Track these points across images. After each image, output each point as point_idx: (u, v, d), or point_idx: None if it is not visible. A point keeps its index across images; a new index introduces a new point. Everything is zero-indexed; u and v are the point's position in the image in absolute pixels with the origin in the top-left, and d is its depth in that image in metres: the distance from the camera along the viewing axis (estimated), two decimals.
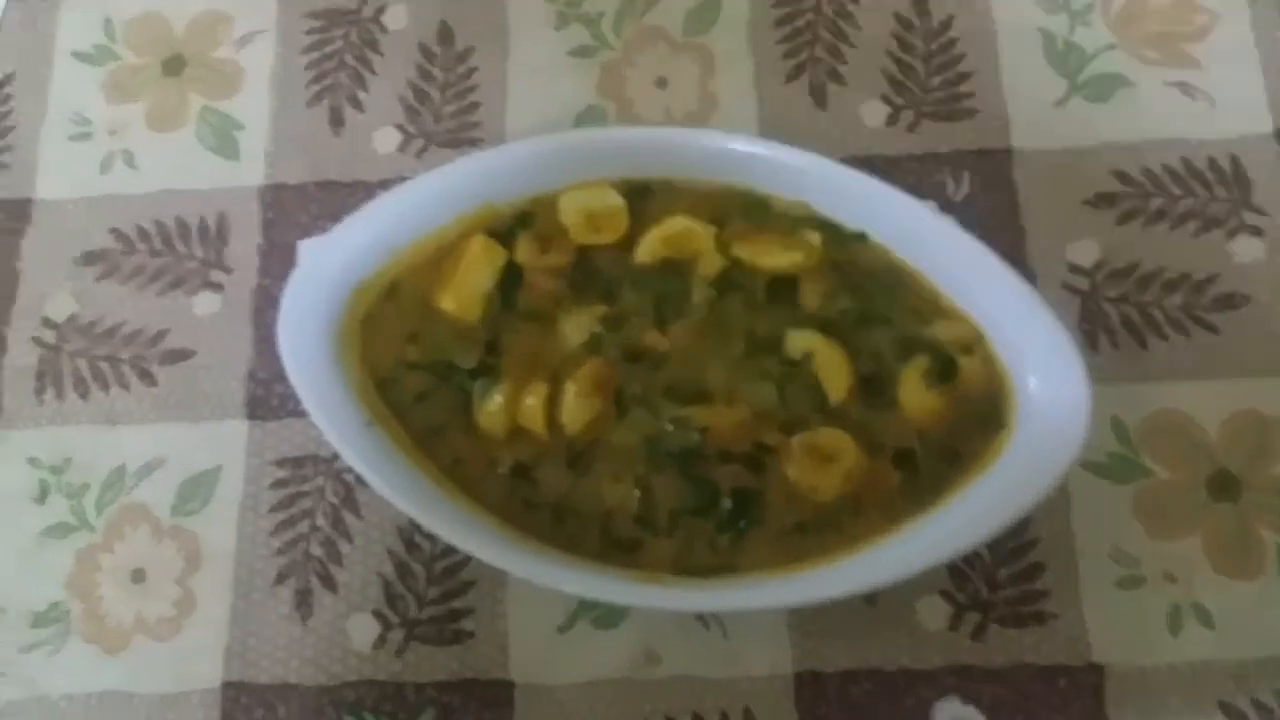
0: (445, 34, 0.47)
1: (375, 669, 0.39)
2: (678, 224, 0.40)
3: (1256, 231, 0.42)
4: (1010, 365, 0.37)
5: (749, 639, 0.38)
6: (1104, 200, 0.42)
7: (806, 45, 0.46)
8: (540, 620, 0.39)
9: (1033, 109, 0.44)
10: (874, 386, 0.38)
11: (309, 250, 0.39)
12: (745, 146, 0.40)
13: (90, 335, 0.44)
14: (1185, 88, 0.44)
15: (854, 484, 0.37)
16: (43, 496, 0.42)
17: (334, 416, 0.37)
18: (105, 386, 0.43)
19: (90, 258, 0.45)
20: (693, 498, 0.37)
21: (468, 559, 0.40)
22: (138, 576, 0.41)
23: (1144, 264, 0.42)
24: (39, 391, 0.43)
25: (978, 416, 0.37)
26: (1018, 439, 0.36)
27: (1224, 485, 0.39)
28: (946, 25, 0.46)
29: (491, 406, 0.38)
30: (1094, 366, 0.40)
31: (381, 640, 0.39)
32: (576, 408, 0.38)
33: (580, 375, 0.38)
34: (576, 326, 0.39)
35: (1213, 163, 0.43)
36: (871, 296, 0.39)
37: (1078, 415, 0.35)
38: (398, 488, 0.37)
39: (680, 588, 0.36)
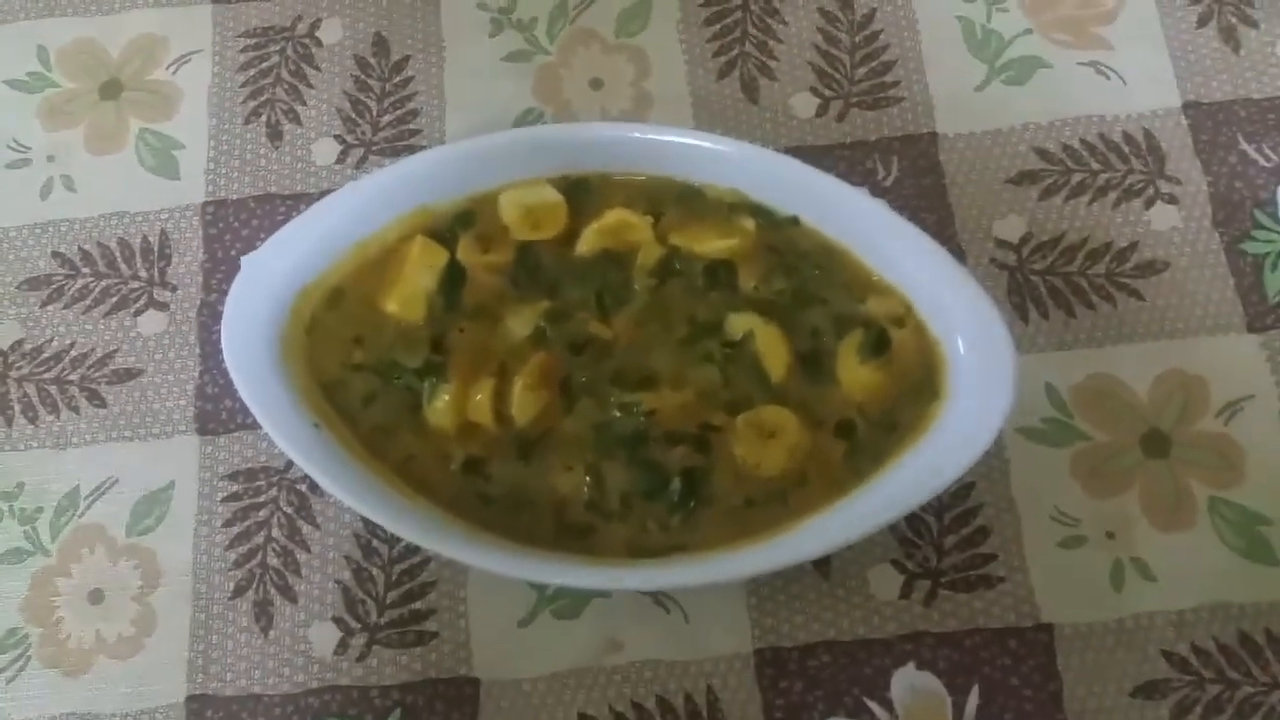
0: (380, 45, 0.48)
1: (338, 675, 0.39)
2: (616, 216, 0.40)
3: (1171, 199, 0.43)
4: (941, 335, 0.39)
5: (709, 620, 0.39)
6: (1027, 177, 0.44)
7: (736, 42, 0.47)
8: (501, 616, 0.39)
9: (955, 94, 0.45)
10: (813, 363, 0.39)
11: (250, 262, 0.40)
12: (678, 138, 0.41)
13: (37, 360, 0.44)
14: (1098, 67, 0.46)
15: (798, 458, 0.38)
16: None
17: (282, 422, 0.37)
18: (55, 410, 0.43)
19: (34, 283, 0.45)
20: (643, 481, 0.38)
21: (426, 561, 0.40)
22: (95, 597, 0.40)
23: (1068, 236, 0.43)
24: None
25: (913, 387, 0.38)
26: (951, 406, 0.38)
27: (1155, 443, 0.40)
28: (870, 18, 0.47)
29: (440, 403, 0.39)
30: (1025, 337, 0.41)
31: (343, 646, 0.39)
32: (524, 400, 0.38)
33: (527, 369, 0.39)
34: (521, 321, 0.40)
35: (1127, 137, 0.44)
36: (806, 277, 0.40)
37: (1005, 377, 0.36)
38: (350, 490, 0.37)
39: (635, 569, 0.36)
